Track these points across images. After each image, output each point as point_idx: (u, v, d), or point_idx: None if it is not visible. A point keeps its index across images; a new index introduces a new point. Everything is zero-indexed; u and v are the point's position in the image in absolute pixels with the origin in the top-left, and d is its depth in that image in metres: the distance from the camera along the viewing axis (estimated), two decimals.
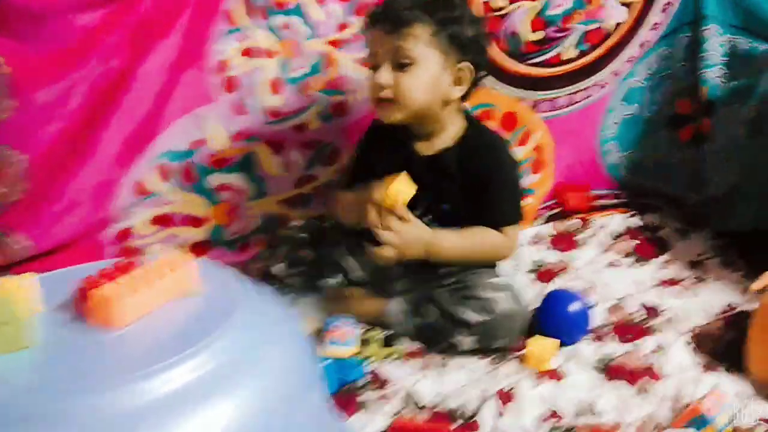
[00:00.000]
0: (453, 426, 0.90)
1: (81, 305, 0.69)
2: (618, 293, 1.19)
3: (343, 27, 1.25)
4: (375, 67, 1.05)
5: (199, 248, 1.27)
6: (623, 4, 1.38)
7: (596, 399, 0.94)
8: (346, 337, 1.01)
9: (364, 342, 1.04)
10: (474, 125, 1.12)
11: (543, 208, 1.45)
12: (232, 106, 1.22)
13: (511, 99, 1.38)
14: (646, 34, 1.42)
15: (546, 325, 1.06)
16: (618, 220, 1.41)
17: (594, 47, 1.40)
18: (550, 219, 1.43)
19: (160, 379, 0.61)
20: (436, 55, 1.03)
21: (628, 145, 1.49)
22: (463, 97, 1.10)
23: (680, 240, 1.36)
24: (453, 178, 1.07)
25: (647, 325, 1.10)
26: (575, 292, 1.12)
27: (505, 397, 0.93)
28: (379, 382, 0.98)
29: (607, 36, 1.39)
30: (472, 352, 1.04)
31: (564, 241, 1.37)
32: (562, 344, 1.04)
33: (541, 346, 1.00)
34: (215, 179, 1.25)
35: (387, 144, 1.10)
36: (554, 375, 0.98)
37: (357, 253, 1.16)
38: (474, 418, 0.90)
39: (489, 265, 1.12)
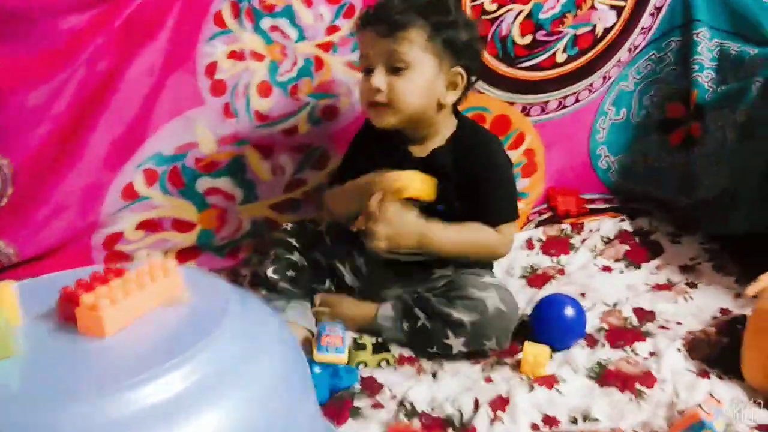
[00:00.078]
0: None
1: (65, 313, 0.67)
2: (610, 298, 1.18)
3: (332, 30, 1.24)
4: (367, 70, 1.04)
5: (188, 253, 1.25)
6: (613, 8, 1.38)
7: (591, 405, 0.93)
8: (338, 344, 0.99)
9: (357, 348, 1.03)
10: (466, 124, 1.12)
11: (534, 213, 1.45)
12: (220, 109, 1.21)
13: (502, 102, 1.38)
14: (635, 38, 1.42)
15: (540, 330, 1.05)
16: (609, 225, 1.41)
17: (584, 51, 1.39)
18: (541, 223, 1.43)
19: (148, 388, 0.60)
20: (431, 60, 1.02)
21: (618, 149, 1.49)
22: (457, 102, 1.09)
23: (672, 244, 1.36)
24: (448, 177, 1.06)
25: (640, 331, 1.09)
26: (569, 296, 1.11)
27: (500, 403, 0.92)
28: (372, 388, 0.97)
29: (597, 40, 1.39)
30: (466, 357, 1.03)
31: (555, 246, 1.36)
32: (557, 349, 1.03)
33: (535, 352, 0.99)
34: (204, 183, 1.23)
35: (380, 145, 1.09)
36: (548, 381, 0.97)
37: (349, 259, 1.15)
38: (469, 425, 0.89)
39: (484, 264, 1.11)
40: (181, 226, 1.24)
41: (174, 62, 1.15)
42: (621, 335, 1.08)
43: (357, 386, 0.96)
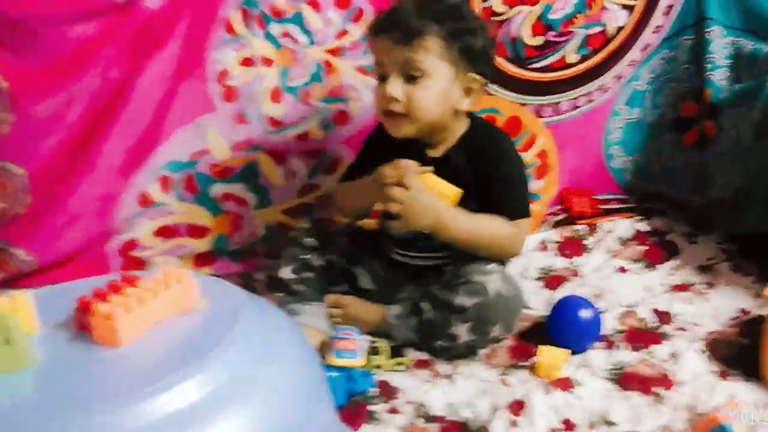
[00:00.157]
0: None
1: (82, 322, 0.67)
2: (628, 300, 1.17)
3: (342, 35, 1.24)
4: (382, 77, 1.03)
5: (203, 259, 1.26)
6: (624, 7, 1.37)
7: (609, 408, 0.92)
8: (354, 348, 0.99)
9: (372, 352, 1.03)
10: (479, 124, 1.11)
11: (549, 214, 1.44)
12: (232, 115, 1.21)
13: (514, 104, 1.37)
14: (648, 37, 1.41)
15: (556, 333, 1.04)
16: (625, 225, 1.39)
17: (596, 51, 1.38)
18: (555, 225, 1.42)
19: (164, 397, 0.60)
20: (447, 67, 1.01)
21: (632, 149, 1.48)
22: None
23: (689, 244, 1.34)
24: (462, 176, 1.05)
25: (659, 332, 1.08)
26: (585, 298, 1.11)
27: (517, 407, 0.91)
28: (388, 393, 0.96)
29: (609, 40, 1.38)
30: (482, 359, 1.03)
31: (570, 247, 1.35)
32: (574, 352, 1.02)
33: (551, 355, 0.99)
34: (218, 189, 1.24)
35: (393, 147, 1.07)
36: (566, 384, 0.96)
37: (365, 262, 1.15)
38: (486, 429, 0.88)
39: (497, 260, 1.08)
40: (196, 231, 1.25)
41: (185, 70, 1.16)
42: (639, 337, 1.07)
43: (373, 390, 0.96)
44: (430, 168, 1.02)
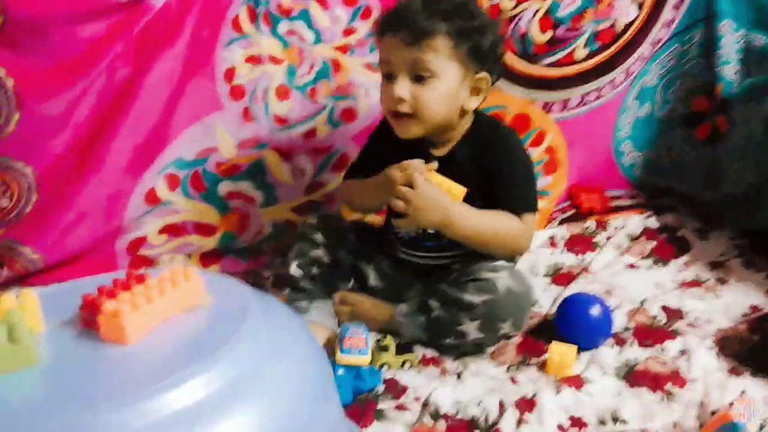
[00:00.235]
0: None
1: (88, 320, 0.67)
2: (638, 296, 1.16)
3: (349, 32, 1.24)
4: (389, 76, 1.01)
5: (210, 257, 1.26)
6: (634, 2, 1.36)
7: (619, 406, 0.91)
8: (361, 346, 0.99)
9: (380, 350, 1.02)
10: (483, 120, 1.10)
11: (558, 211, 1.43)
12: (239, 113, 1.21)
13: (523, 100, 1.36)
14: (658, 31, 1.39)
15: (566, 330, 1.03)
16: (635, 221, 1.38)
17: (605, 46, 1.37)
18: (565, 221, 1.41)
19: (171, 395, 0.60)
20: (456, 67, 1.00)
21: (642, 144, 1.47)
22: None
23: (699, 240, 1.33)
24: (467, 174, 1.04)
25: (669, 329, 1.07)
26: (595, 295, 1.10)
27: (527, 405, 0.91)
28: (396, 390, 0.96)
29: (619, 35, 1.37)
30: (491, 357, 1.02)
31: (580, 244, 1.34)
32: (584, 348, 1.01)
33: (561, 352, 0.98)
34: (225, 187, 1.24)
35: (397, 144, 1.06)
36: (576, 382, 0.95)
37: (374, 260, 1.14)
38: (494, 427, 0.88)
39: (506, 258, 1.07)
40: (204, 229, 1.25)
41: (192, 68, 1.16)
42: (649, 334, 1.06)
43: (381, 388, 0.96)
44: (435, 164, 1.01)
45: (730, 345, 1.01)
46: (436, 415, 0.91)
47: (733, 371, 0.96)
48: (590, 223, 1.39)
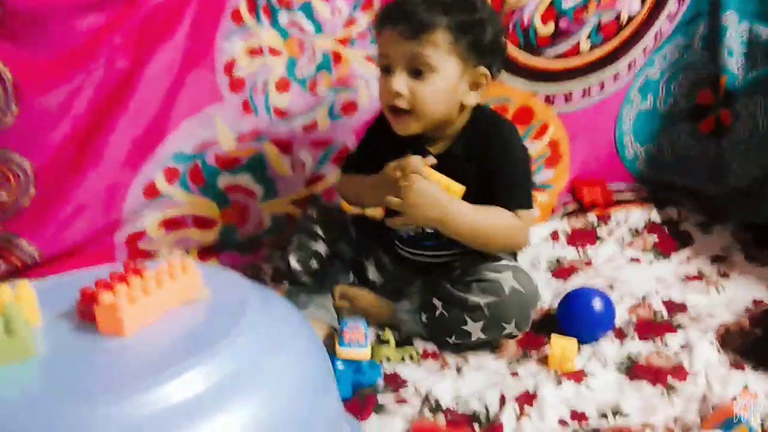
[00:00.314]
0: (474, 429, 0.87)
1: (85, 312, 0.67)
2: (639, 290, 1.16)
3: (350, 23, 1.23)
4: (387, 69, 0.99)
5: (209, 251, 1.25)
6: None
7: (620, 400, 0.91)
8: (361, 340, 0.98)
9: (380, 343, 1.02)
10: (480, 113, 1.06)
11: (559, 205, 1.43)
12: (239, 106, 1.20)
13: (525, 93, 1.35)
14: (662, 23, 1.38)
15: (567, 323, 1.03)
16: (637, 215, 1.38)
17: (609, 39, 1.36)
18: (567, 215, 1.40)
19: (169, 387, 0.59)
20: (455, 62, 0.97)
21: (645, 138, 1.46)
22: None
23: (702, 234, 1.33)
24: (464, 170, 1.02)
25: (671, 323, 1.07)
26: (596, 289, 1.09)
27: (527, 398, 0.90)
28: (395, 384, 0.96)
29: (622, 27, 1.36)
30: (491, 350, 1.02)
31: (582, 238, 1.34)
32: (585, 342, 1.01)
33: (562, 345, 0.97)
34: (224, 180, 1.23)
35: (393, 139, 1.04)
36: (577, 376, 0.95)
37: (374, 255, 1.14)
38: (495, 421, 0.87)
39: (507, 255, 1.06)
40: (203, 223, 1.24)
41: (192, 60, 1.15)
42: (651, 328, 1.05)
43: (380, 382, 0.95)
44: (433, 160, 0.98)
45: (732, 339, 1.01)
46: (436, 409, 0.90)
47: (736, 365, 0.95)
48: (592, 217, 1.38)
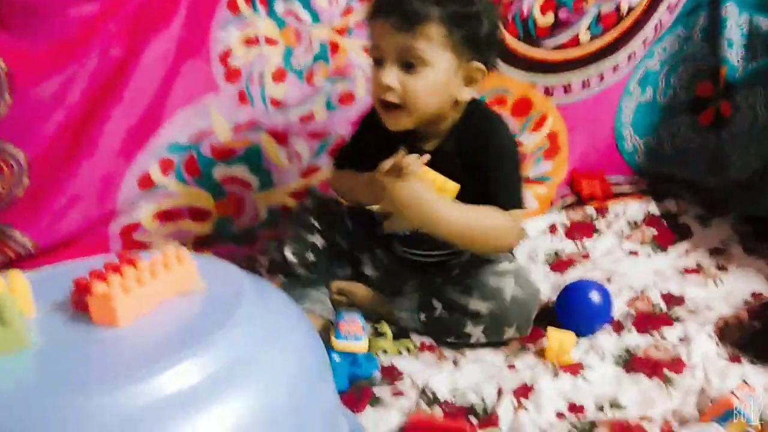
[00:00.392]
0: (471, 421, 0.86)
1: (79, 303, 0.66)
2: (638, 283, 1.15)
3: (347, 13, 1.22)
4: (378, 61, 0.96)
5: (205, 242, 1.25)
6: None
7: (618, 392, 0.90)
8: (357, 332, 0.98)
9: (376, 336, 1.01)
10: (472, 108, 1.03)
11: (557, 197, 1.42)
12: (235, 96, 1.19)
13: (524, 84, 1.34)
14: (661, 15, 1.38)
15: (565, 316, 1.03)
16: (636, 208, 1.37)
17: (608, 30, 1.35)
18: (564, 207, 1.40)
19: (163, 378, 0.59)
20: (449, 56, 0.94)
21: (644, 130, 1.46)
22: None
23: (701, 227, 1.32)
24: (455, 165, 0.99)
25: (669, 316, 1.06)
26: (594, 281, 1.09)
27: (524, 391, 0.90)
28: (392, 376, 0.95)
29: (622, 18, 1.35)
30: (488, 344, 1.01)
31: (580, 230, 1.33)
32: (583, 335, 1.00)
33: (560, 338, 0.97)
34: (220, 171, 1.23)
35: (386, 134, 1.01)
36: (574, 368, 0.94)
37: (369, 249, 1.13)
38: (492, 413, 0.87)
39: (489, 253, 1.03)
40: (198, 214, 1.23)
41: (187, 49, 1.14)
42: (649, 321, 1.05)
43: (377, 374, 0.95)
44: (427, 157, 0.96)
45: (731, 332, 1.01)
46: (432, 402, 0.90)
47: (734, 358, 0.95)
48: (591, 210, 1.38)
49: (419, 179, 0.94)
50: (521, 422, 0.85)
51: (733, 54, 1.35)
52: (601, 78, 1.39)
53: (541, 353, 0.98)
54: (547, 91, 1.36)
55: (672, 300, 1.11)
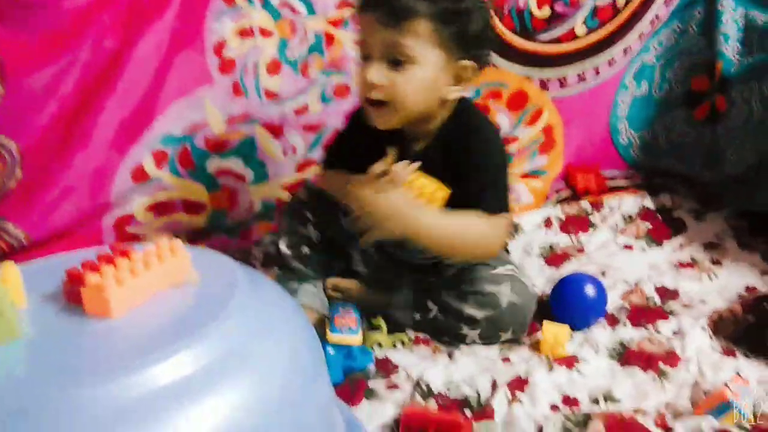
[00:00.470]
0: (465, 414, 0.86)
1: (71, 294, 0.65)
2: (632, 277, 1.16)
3: (342, 5, 1.21)
4: (365, 57, 0.93)
5: (199, 235, 1.24)
6: None
7: (612, 385, 0.90)
8: (352, 325, 0.97)
9: (371, 329, 1.01)
10: (459, 109, 0.99)
11: (553, 191, 1.42)
12: (229, 88, 1.19)
13: (520, 77, 1.34)
14: (658, 8, 1.37)
15: (560, 310, 1.03)
16: (631, 202, 1.37)
17: (604, 23, 1.35)
18: (559, 202, 1.40)
19: (157, 369, 0.58)
20: (437, 54, 0.91)
21: (640, 124, 1.46)
22: None
23: (696, 221, 1.33)
24: (440, 170, 0.96)
25: (663, 310, 1.06)
26: (589, 275, 1.09)
27: (519, 384, 0.90)
28: (387, 369, 0.95)
29: (618, 11, 1.35)
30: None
31: (575, 224, 1.33)
32: (578, 328, 1.00)
33: (554, 332, 0.97)
34: (214, 164, 1.22)
35: (374, 134, 0.97)
36: (569, 361, 0.94)
37: (360, 245, 1.12)
38: (487, 406, 0.87)
39: (473, 260, 1.00)
40: (192, 207, 1.23)
41: (181, 40, 1.13)
42: (643, 314, 1.05)
43: (372, 367, 0.95)
44: (416, 164, 0.93)
45: (725, 326, 1.01)
46: (427, 394, 0.90)
47: (728, 352, 0.95)
48: (585, 204, 1.38)
49: (409, 186, 0.93)
50: (516, 415, 0.85)
51: (729, 48, 1.35)
52: (597, 72, 1.39)
53: (535, 346, 0.98)
54: (543, 85, 1.36)
55: (666, 294, 1.11)
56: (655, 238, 1.28)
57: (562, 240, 1.30)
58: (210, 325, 0.63)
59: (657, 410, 0.86)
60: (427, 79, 0.92)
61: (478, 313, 0.98)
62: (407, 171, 0.92)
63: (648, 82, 1.44)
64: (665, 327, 1.02)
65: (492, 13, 1.02)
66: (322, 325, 1.00)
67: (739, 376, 0.89)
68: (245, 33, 1.17)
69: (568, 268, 1.19)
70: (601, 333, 1.01)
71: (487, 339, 1.00)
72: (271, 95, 1.21)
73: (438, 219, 0.93)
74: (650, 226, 1.31)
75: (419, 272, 1.07)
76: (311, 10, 1.20)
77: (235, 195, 1.25)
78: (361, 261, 1.12)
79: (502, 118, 1.36)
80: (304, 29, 1.20)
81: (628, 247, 1.27)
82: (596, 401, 0.88)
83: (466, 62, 0.94)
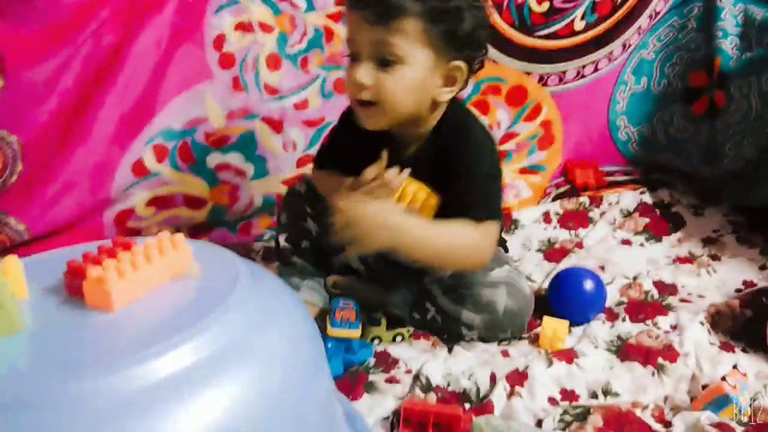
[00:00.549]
0: (465, 407, 0.87)
1: (73, 287, 0.66)
2: (631, 272, 1.16)
3: (342, 0, 1.21)
4: (354, 56, 0.90)
5: (199, 230, 1.24)
6: None
7: (611, 379, 0.91)
8: (352, 319, 0.98)
9: (371, 323, 1.02)
10: (450, 112, 0.96)
11: (551, 186, 1.42)
12: (229, 83, 1.19)
13: (519, 72, 1.34)
14: (657, 4, 1.37)
15: (559, 304, 1.03)
16: (629, 197, 1.38)
17: (603, 18, 1.35)
18: (558, 197, 1.40)
19: (157, 362, 0.59)
20: (427, 53, 0.88)
21: (639, 119, 1.46)
22: None
23: (694, 216, 1.33)
24: (433, 172, 0.94)
25: (662, 305, 1.07)
26: (587, 269, 1.09)
27: (518, 377, 0.90)
28: (387, 363, 0.95)
29: (617, 6, 1.35)
30: None
31: (573, 219, 1.34)
32: (577, 323, 1.01)
33: (553, 326, 0.97)
34: (214, 159, 1.22)
35: (366, 136, 0.95)
36: (568, 356, 0.95)
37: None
38: (486, 400, 0.87)
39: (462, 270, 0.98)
40: (193, 202, 1.23)
41: (181, 35, 1.13)
42: (641, 309, 1.06)
43: (372, 361, 0.95)
44: (407, 171, 0.92)
45: (723, 320, 1.01)
46: (427, 388, 0.90)
47: (726, 346, 0.96)
48: (584, 199, 1.38)
49: (401, 193, 0.92)
50: (515, 408, 0.85)
51: (728, 44, 1.35)
52: (596, 67, 1.39)
53: (535, 340, 0.99)
54: (542, 80, 1.36)
55: (665, 288, 1.11)
56: (654, 233, 1.29)
57: (561, 235, 1.30)
58: (211, 318, 0.63)
59: (655, 404, 0.86)
60: (416, 80, 0.89)
61: (475, 318, 0.98)
62: (399, 179, 0.91)
63: (647, 77, 1.44)
64: (664, 322, 1.02)
65: (489, 12, 1.00)
66: (322, 319, 1.00)
67: (737, 370, 0.90)
68: (245, 28, 1.17)
69: (566, 263, 1.20)
70: (599, 327, 1.01)
71: (485, 340, 1.00)
72: (271, 90, 1.21)
73: (425, 230, 0.88)
74: (649, 221, 1.32)
75: (416, 273, 1.06)
76: (311, 5, 1.20)
77: (235, 190, 1.25)
78: (359, 259, 1.12)
79: (502, 113, 1.37)
80: (303, 24, 1.20)
81: (627, 242, 1.27)
82: (595, 395, 0.88)
83: (458, 63, 0.91)
